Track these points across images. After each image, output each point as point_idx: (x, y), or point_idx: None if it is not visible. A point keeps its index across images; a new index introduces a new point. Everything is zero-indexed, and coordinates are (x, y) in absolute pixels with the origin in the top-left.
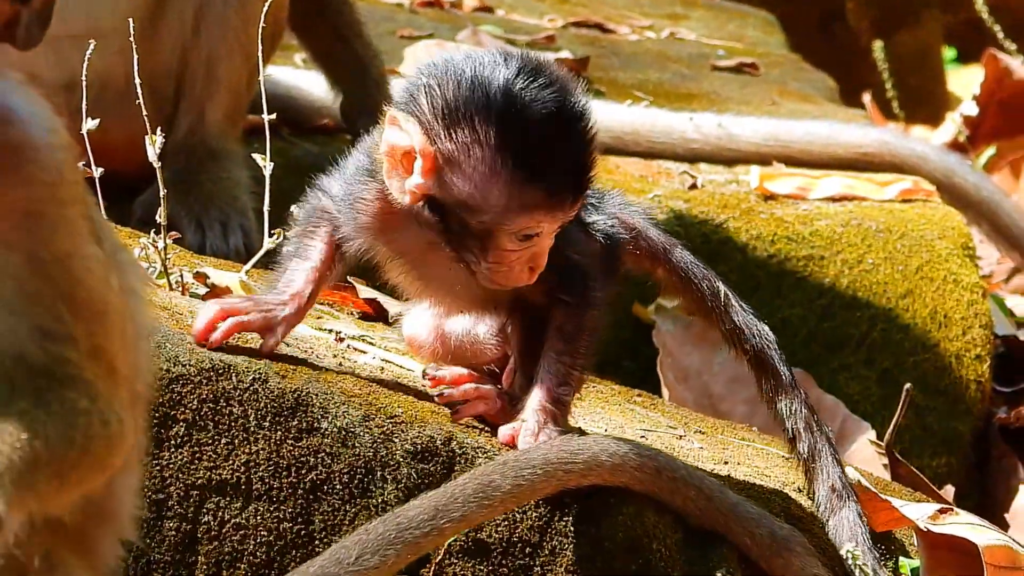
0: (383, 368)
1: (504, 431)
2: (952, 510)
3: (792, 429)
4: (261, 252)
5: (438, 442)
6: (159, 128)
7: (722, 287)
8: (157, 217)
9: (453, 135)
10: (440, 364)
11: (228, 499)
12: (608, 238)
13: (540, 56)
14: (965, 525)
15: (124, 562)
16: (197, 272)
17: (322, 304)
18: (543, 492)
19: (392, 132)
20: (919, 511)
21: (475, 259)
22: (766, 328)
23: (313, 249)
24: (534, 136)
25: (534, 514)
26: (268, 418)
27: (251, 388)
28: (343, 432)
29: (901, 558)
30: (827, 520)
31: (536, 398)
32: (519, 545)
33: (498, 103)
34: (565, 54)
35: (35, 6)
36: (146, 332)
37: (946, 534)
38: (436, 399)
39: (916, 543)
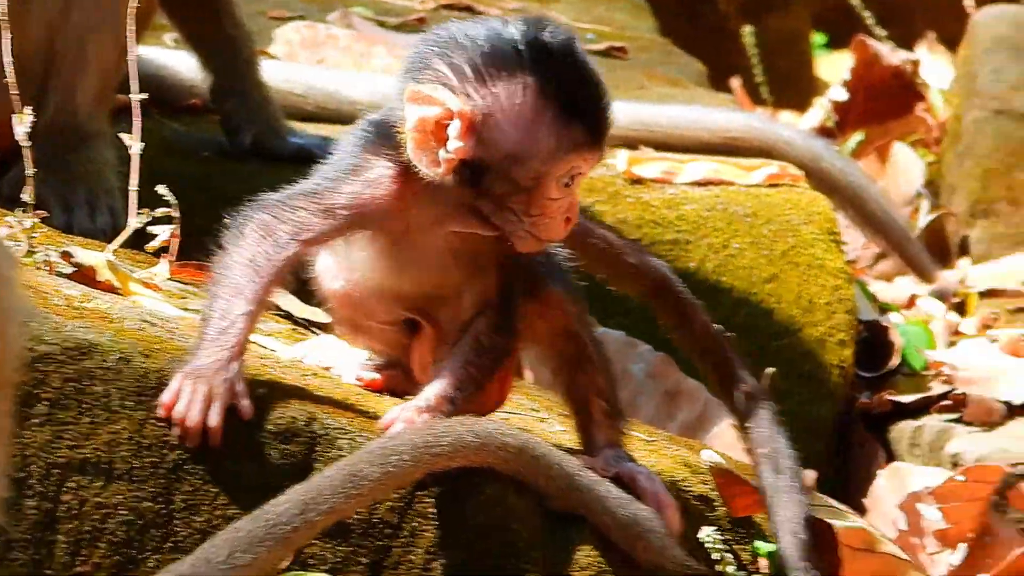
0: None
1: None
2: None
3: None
4: (127, 232)
5: (300, 423)
6: (28, 107)
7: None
8: (24, 196)
9: (489, 90)
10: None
11: (89, 478)
12: None
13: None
14: (823, 508)
15: None
16: (63, 251)
17: (187, 284)
18: (412, 477)
19: (417, 106)
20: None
21: (516, 217)
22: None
23: (257, 282)
24: (568, 77)
25: (394, 495)
26: (131, 398)
27: (115, 368)
28: None
29: (757, 542)
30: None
31: (438, 386)
32: (379, 526)
33: (526, 51)
34: None
35: None
36: (16, 318)
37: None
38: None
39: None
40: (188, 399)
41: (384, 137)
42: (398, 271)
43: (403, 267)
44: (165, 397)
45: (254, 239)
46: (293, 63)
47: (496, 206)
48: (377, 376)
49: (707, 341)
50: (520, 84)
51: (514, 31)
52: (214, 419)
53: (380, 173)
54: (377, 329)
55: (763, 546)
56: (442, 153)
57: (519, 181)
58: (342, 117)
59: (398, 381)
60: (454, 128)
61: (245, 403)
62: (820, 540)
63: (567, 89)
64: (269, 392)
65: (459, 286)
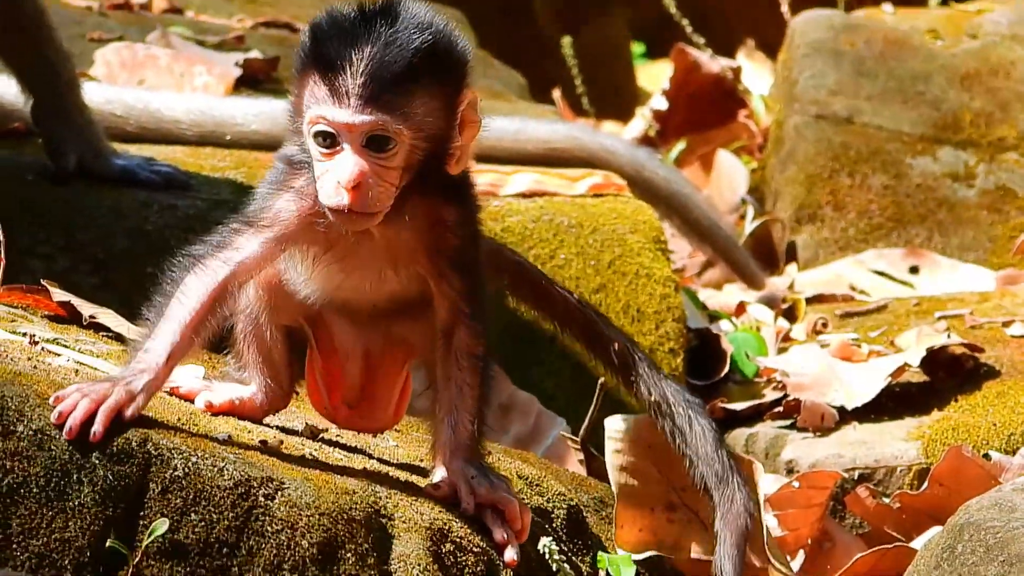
0: (77, 370)
1: (443, 487)
2: None
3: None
4: None
5: (133, 443)
6: None
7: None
8: None
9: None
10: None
11: None
12: None
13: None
14: None
15: None
16: None
17: (15, 307)
18: None
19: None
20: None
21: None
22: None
23: (191, 296)
24: (331, 38)
25: (230, 514)
26: None
27: None
28: (39, 435)
29: (600, 553)
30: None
31: (458, 453)
32: (216, 546)
33: (319, 21)
34: (255, 54)
35: None
36: None
37: None
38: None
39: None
40: (76, 399)
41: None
42: (343, 278)
43: (350, 273)
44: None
45: (187, 271)
46: (113, 84)
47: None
48: (223, 401)
49: (569, 310)
50: (303, 44)
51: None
52: (100, 422)
53: (300, 185)
54: (273, 338)
55: (605, 557)
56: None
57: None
58: (164, 137)
59: (247, 406)
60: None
61: (129, 412)
62: None
63: (326, 50)
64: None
65: (405, 294)
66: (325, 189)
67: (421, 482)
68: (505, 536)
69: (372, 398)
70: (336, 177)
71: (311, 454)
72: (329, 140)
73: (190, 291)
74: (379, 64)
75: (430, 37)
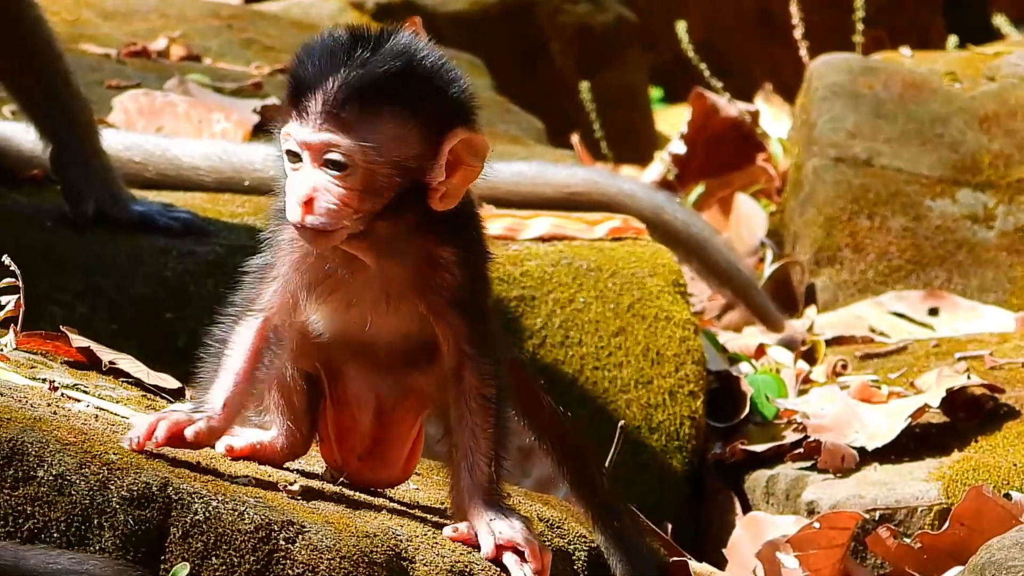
0: (97, 416)
1: (463, 530)
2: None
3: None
4: None
5: (154, 488)
6: None
7: None
8: None
9: None
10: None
11: None
12: None
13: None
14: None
15: None
16: None
17: (34, 353)
18: None
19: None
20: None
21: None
22: None
23: (237, 346)
24: (306, 56)
25: (251, 558)
26: None
27: None
28: (59, 480)
29: None
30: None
31: (476, 498)
32: None
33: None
34: (273, 100)
35: None
36: None
37: None
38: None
39: None
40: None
41: None
42: (342, 312)
43: (345, 308)
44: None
45: (226, 328)
46: (132, 131)
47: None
48: (244, 444)
49: (552, 420)
50: (288, 70)
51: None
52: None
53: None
54: (291, 384)
55: None
56: None
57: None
58: (183, 183)
59: (268, 451)
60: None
61: (191, 432)
62: None
63: (302, 70)
64: (121, 458)
65: (413, 336)
66: (287, 206)
67: (441, 525)
68: None
69: (383, 451)
70: (291, 192)
71: (331, 498)
72: (295, 158)
73: (233, 345)
74: (345, 85)
75: (403, 65)
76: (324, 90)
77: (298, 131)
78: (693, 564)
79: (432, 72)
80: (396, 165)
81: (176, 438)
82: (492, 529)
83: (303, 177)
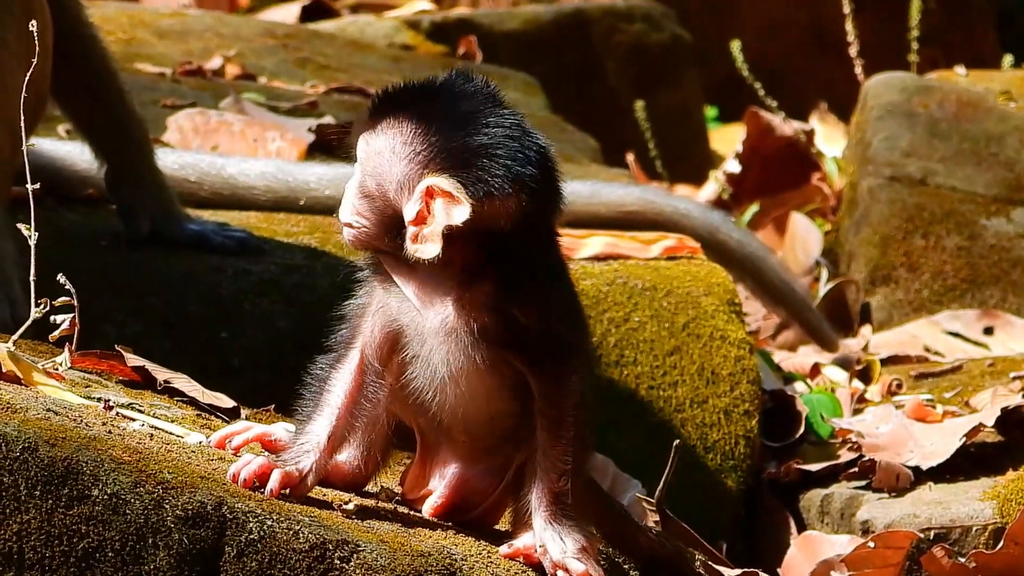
0: (152, 435)
1: (518, 547)
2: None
3: None
4: (28, 323)
5: (208, 507)
6: None
7: None
8: None
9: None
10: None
11: (1, 569)
12: None
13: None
14: None
15: None
16: None
17: (89, 373)
18: None
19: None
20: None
21: None
22: None
23: (337, 383)
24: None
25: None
26: (39, 487)
27: (21, 457)
28: (114, 499)
29: None
30: None
31: (541, 506)
32: None
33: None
34: (328, 119)
35: None
36: None
37: None
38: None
39: None
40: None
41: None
42: (419, 367)
43: (419, 362)
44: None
45: (326, 361)
46: (187, 150)
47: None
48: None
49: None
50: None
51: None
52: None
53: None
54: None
55: None
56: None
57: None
58: (238, 202)
59: (336, 470)
60: (456, 210)
61: (295, 472)
62: None
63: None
64: (176, 476)
65: (489, 404)
66: None
67: (496, 544)
68: None
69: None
70: None
71: (385, 517)
72: None
73: (333, 383)
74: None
75: (425, 93)
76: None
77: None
78: None
79: (449, 113)
80: (377, 180)
81: (287, 486)
82: (547, 549)
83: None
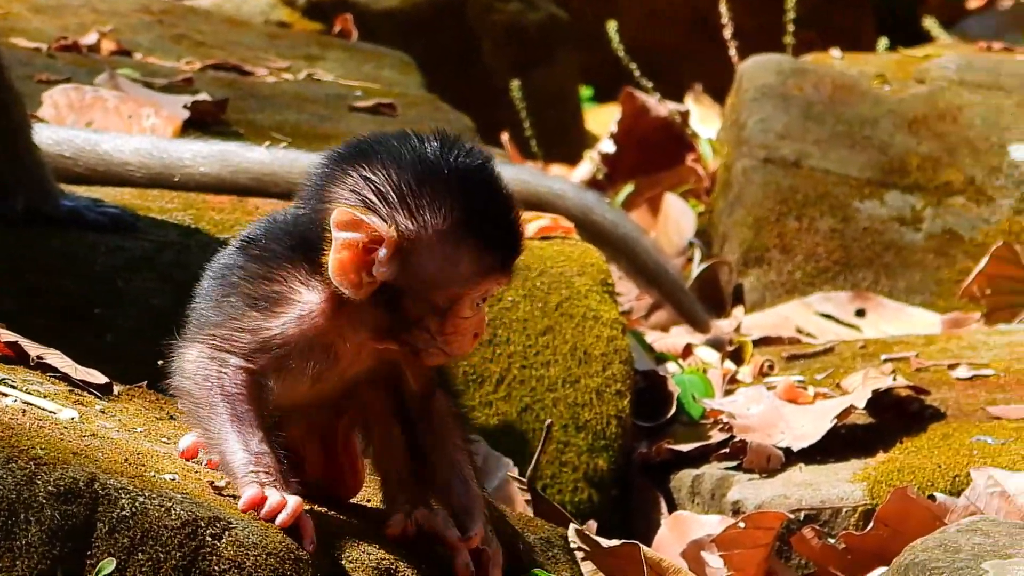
0: (25, 411)
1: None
2: None
3: None
4: None
5: (80, 483)
6: None
7: None
8: None
9: (415, 216)
10: None
11: None
12: None
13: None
14: None
15: None
16: None
17: None
18: None
19: (345, 231)
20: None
21: (428, 335)
22: None
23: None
24: (488, 205)
25: (177, 554)
26: None
27: None
28: None
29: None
30: None
31: (478, 506)
32: None
33: (451, 177)
34: (203, 96)
35: None
36: None
37: None
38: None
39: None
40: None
41: (306, 257)
42: (319, 386)
43: (325, 381)
44: (244, 505)
45: (216, 372)
46: (62, 126)
47: (409, 325)
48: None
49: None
50: (445, 212)
51: (436, 153)
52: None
53: (310, 306)
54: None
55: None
56: (364, 276)
57: (436, 302)
58: (112, 179)
59: None
60: (382, 253)
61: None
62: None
63: (488, 218)
64: (48, 453)
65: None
66: (462, 343)
67: (374, 523)
68: None
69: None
70: (475, 330)
71: None
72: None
73: (234, 392)
74: (519, 221)
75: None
76: (520, 240)
77: (505, 280)
78: (644, 548)
79: (361, 155)
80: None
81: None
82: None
83: (484, 314)
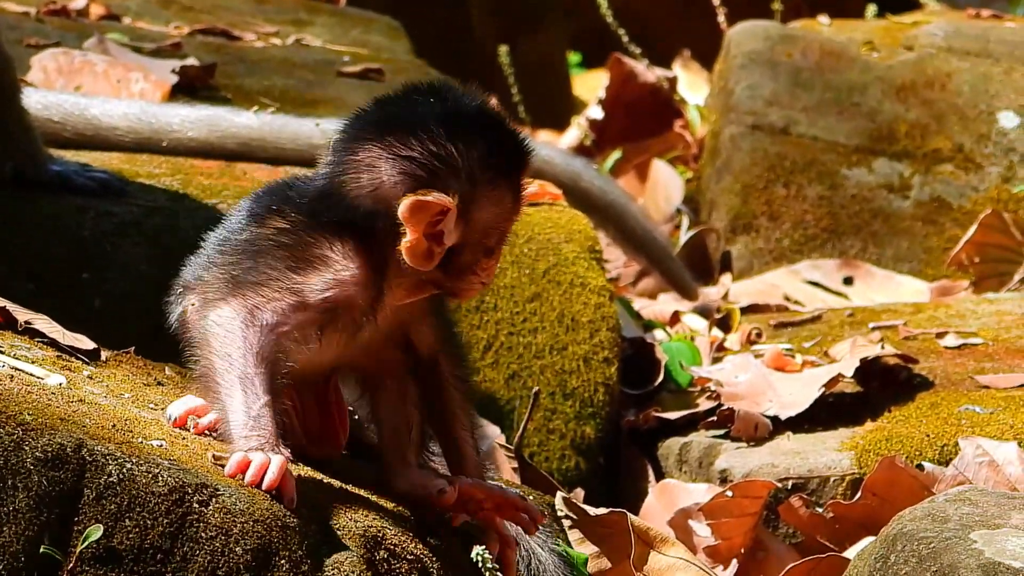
0: (12, 376)
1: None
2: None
3: None
4: None
5: (68, 449)
6: None
7: None
8: None
9: (464, 177)
10: None
11: None
12: None
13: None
14: None
15: None
16: None
17: None
18: None
19: (415, 216)
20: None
21: (474, 275)
22: None
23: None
24: (504, 138)
25: (165, 520)
26: None
27: None
28: None
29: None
30: None
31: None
32: (151, 551)
33: (472, 128)
34: (192, 61)
35: None
36: None
37: None
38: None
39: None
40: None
41: (339, 227)
42: (344, 347)
43: (351, 342)
44: (231, 469)
45: (241, 328)
46: (50, 90)
47: (461, 271)
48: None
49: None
50: (482, 160)
51: (451, 106)
52: (276, 479)
53: (350, 271)
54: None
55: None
56: (435, 248)
57: (488, 244)
58: (101, 143)
59: None
60: (448, 223)
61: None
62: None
63: (510, 148)
64: (35, 419)
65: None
66: (491, 275)
67: (355, 489)
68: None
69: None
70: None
71: None
72: None
73: (257, 351)
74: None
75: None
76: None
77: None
78: (631, 517)
79: (406, 127)
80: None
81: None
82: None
83: None
